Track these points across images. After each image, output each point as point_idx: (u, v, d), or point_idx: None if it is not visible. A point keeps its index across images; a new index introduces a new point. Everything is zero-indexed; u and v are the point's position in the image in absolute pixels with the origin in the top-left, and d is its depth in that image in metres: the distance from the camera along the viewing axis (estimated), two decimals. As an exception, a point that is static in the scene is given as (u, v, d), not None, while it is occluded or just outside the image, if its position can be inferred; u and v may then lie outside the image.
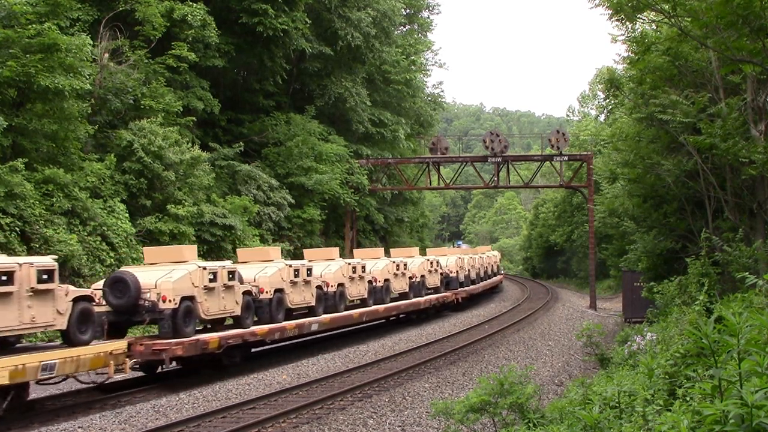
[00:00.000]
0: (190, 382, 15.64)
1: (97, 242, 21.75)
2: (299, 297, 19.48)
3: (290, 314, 19.56)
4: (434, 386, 14.99)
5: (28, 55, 20.27)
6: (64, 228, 20.66)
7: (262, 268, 18.71)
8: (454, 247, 67.53)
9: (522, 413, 9.79)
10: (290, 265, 19.12)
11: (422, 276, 28.33)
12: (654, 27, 19.54)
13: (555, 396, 13.76)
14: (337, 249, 24.89)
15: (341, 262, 22.51)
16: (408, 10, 53.58)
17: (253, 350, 18.86)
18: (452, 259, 32.81)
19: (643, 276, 23.69)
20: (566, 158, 37.91)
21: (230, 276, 16.45)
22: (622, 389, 7.76)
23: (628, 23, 18.36)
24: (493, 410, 9.80)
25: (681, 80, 19.44)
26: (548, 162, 41.09)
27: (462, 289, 32.76)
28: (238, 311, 16.77)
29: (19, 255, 19.00)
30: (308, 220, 34.32)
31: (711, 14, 12.20)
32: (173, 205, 25.25)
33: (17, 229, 19.31)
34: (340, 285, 21.76)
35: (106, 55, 25.55)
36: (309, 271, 19.92)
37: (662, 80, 19.46)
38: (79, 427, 11.70)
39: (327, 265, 21.85)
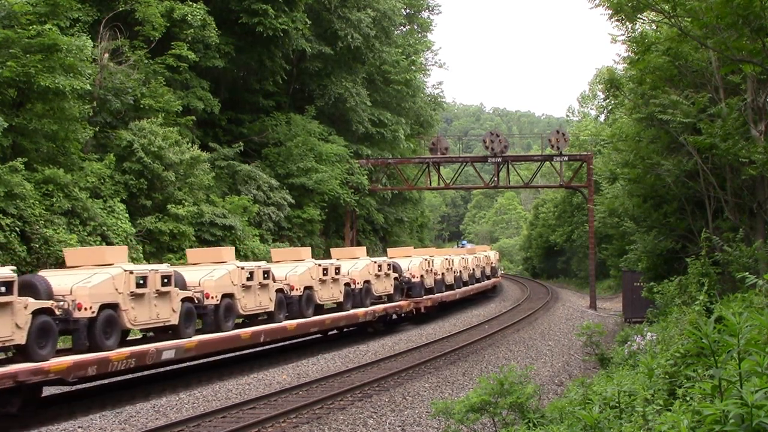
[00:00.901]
0: (190, 382, 15.64)
1: (97, 242, 21.74)
2: (146, 314, 14.24)
3: (148, 338, 15.82)
4: (434, 386, 14.99)
5: (28, 56, 20.27)
6: (64, 228, 20.66)
7: (88, 275, 13.68)
8: (458, 246, 67.36)
9: (522, 413, 9.80)
10: (131, 272, 14.05)
11: (366, 282, 23.14)
12: (654, 27, 19.55)
13: (555, 396, 13.76)
14: (233, 249, 19.89)
15: (232, 266, 17.48)
16: (408, 10, 53.59)
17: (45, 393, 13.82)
18: (416, 261, 27.82)
19: (643, 276, 23.70)
20: (566, 158, 37.92)
21: (5, 288, 11.41)
22: (622, 389, 7.77)
23: (628, 23, 18.37)
24: (493, 410, 9.81)
25: (681, 80, 19.45)
26: (548, 162, 41.09)
27: (428, 297, 27.52)
28: (20, 339, 11.63)
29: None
30: (308, 220, 34.33)
31: (711, 14, 12.21)
32: (173, 205, 25.26)
33: (17, 229, 19.31)
34: (228, 296, 16.78)
35: (106, 55, 25.55)
36: (167, 279, 14.72)
37: (662, 80, 19.46)
38: (79, 427, 11.70)
39: (210, 271, 16.98)
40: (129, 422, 12.00)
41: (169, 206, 25.12)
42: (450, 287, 31.46)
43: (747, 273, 8.67)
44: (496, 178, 40.04)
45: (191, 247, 25.26)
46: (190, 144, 27.13)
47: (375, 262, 24.28)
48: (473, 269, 36.56)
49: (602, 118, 56.59)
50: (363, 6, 39.84)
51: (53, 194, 20.97)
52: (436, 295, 28.85)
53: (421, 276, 27.24)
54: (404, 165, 43.83)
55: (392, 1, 42.66)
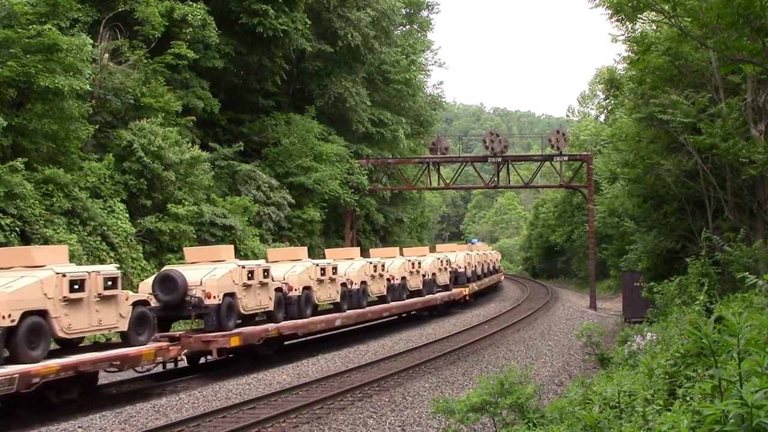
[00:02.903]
0: (190, 382, 15.64)
1: (97, 242, 21.77)
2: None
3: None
4: (434, 386, 14.99)
5: (28, 56, 20.28)
6: (64, 228, 20.66)
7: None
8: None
9: (522, 413, 9.79)
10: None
11: (35, 311, 12.30)
12: (654, 27, 19.54)
13: (555, 396, 13.76)
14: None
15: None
16: (407, 10, 53.61)
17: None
18: (222, 270, 16.48)
19: (643, 276, 23.68)
20: (566, 158, 37.95)
21: None
22: (622, 389, 7.76)
23: (628, 23, 18.35)
24: (493, 410, 9.80)
25: (681, 80, 19.43)
26: (548, 162, 41.08)
27: (240, 330, 16.52)
28: None
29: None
30: (308, 220, 34.33)
31: (711, 14, 12.20)
32: (173, 205, 25.27)
33: (17, 229, 19.32)
34: None
35: (106, 55, 25.57)
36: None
37: (662, 80, 19.45)
38: (79, 427, 11.70)
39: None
40: (129, 422, 12.00)
41: (169, 206, 25.12)
42: (336, 306, 21.48)
43: (747, 273, 8.67)
44: (496, 178, 40.04)
45: (192, 247, 25.19)
46: (190, 144, 27.14)
47: (61, 275, 12.72)
48: (403, 277, 26.00)
49: (602, 118, 56.59)
50: (363, 6, 39.86)
51: (53, 194, 20.98)
52: (255, 328, 17.25)
53: (219, 296, 16.10)
54: (404, 165, 43.83)
55: (391, 0, 42.67)
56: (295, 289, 19.20)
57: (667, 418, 5.36)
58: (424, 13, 57.47)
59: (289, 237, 33.12)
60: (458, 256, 34.09)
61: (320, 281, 20.23)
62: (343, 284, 21.52)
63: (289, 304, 18.95)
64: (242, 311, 17.02)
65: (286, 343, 20.01)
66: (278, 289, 18.44)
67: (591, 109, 68.62)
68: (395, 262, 26.43)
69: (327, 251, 25.87)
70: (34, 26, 20.54)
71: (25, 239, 19.59)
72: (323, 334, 22.31)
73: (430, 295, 28.40)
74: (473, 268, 35.85)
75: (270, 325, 17.85)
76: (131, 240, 23.08)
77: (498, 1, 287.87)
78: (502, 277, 50.82)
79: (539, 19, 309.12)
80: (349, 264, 22.98)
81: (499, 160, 38.16)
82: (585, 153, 39.76)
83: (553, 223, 59.86)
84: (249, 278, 17.11)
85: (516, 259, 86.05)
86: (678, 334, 10.53)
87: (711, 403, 4.12)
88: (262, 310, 18.04)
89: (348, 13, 38.25)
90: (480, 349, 20.56)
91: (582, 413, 6.93)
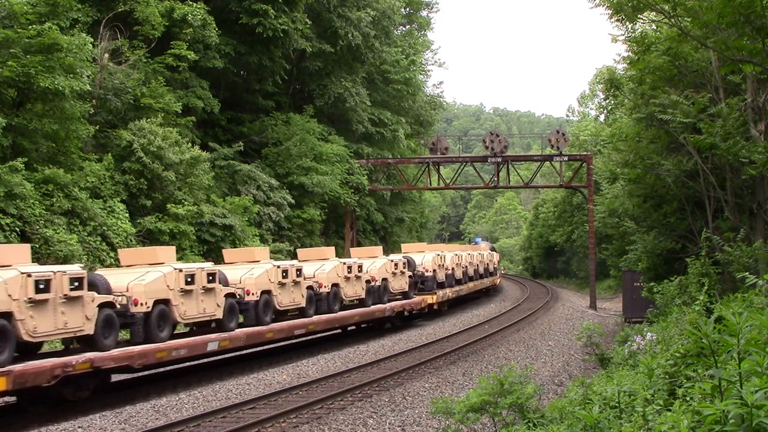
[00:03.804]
0: (190, 382, 15.64)
1: (97, 242, 21.76)
2: None
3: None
4: (434, 386, 14.99)
5: (28, 56, 20.28)
6: (64, 228, 20.66)
7: None
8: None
9: (522, 413, 9.79)
10: None
11: None
12: (654, 27, 19.55)
13: (555, 396, 13.76)
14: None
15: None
16: (407, 9, 53.63)
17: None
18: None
19: (643, 276, 23.70)
20: (566, 158, 37.98)
21: None
22: (622, 389, 7.76)
23: (628, 23, 18.39)
24: (493, 410, 9.80)
25: (681, 80, 19.45)
26: (548, 162, 41.14)
27: (9, 368, 10.90)
28: None
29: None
30: (308, 220, 34.34)
31: (711, 14, 12.21)
32: (173, 205, 25.28)
33: (17, 229, 19.31)
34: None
35: (106, 55, 25.57)
36: None
37: (662, 80, 19.47)
38: (79, 427, 11.69)
39: None
40: (129, 422, 11.99)
41: (169, 206, 25.13)
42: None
43: (747, 273, 8.67)
44: (496, 178, 40.06)
45: (191, 247, 25.17)
46: (190, 144, 27.14)
47: None
48: (327, 289, 20.75)
49: (602, 118, 56.60)
50: (363, 5, 39.87)
51: (53, 194, 20.98)
52: (45, 362, 11.76)
53: None
54: (404, 165, 43.85)
55: (391, 0, 42.68)
56: (142, 304, 13.87)
57: (667, 418, 5.36)
58: (424, 12, 57.51)
59: (289, 237, 33.12)
60: (426, 257, 28.73)
61: (186, 292, 14.91)
62: (231, 295, 16.49)
63: (132, 324, 13.81)
64: (26, 338, 11.42)
65: (115, 379, 15.01)
66: (106, 304, 13.07)
67: (591, 109, 68.72)
68: (325, 266, 21.26)
69: (225, 252, 20.05)
70: (34, 26, 20.54)
71: (25, 239, 19.58)
72: (194, 363, 17.18)
73: (377, 306, 23.29)
74: (449, 271, 30.40)
75: (76, 357, 12.12)
76: (131, 240, 23.08)
77: (498, 1, 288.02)
78: (498, 280, 46.90)
79: (539, 19, 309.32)
80: (248, 269, 17.89)
81: (499, 160, 38.18)
82: (585, 153, 39.77)
83: (553, 223, 59.89)
84: (40, 291, 11.62)
85: (516, 259, 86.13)
86: (678, 334, 10.54)
87: (711, 403, 4.12)
88: (72, 335, 12.72)
89: (348, 13, 38.25)
90: (480, 349, 20.56)
91: (582, 413, 6.93)
